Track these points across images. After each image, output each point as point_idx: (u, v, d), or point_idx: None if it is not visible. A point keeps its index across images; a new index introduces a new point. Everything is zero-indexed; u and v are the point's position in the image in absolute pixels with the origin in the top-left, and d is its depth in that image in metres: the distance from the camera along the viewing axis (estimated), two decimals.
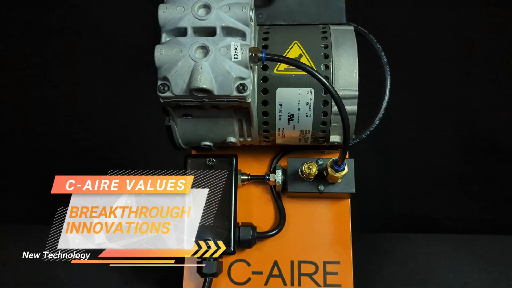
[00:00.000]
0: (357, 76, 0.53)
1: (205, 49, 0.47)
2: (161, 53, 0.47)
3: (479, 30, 1.20)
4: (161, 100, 0.49)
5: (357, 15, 0.67)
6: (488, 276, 0.93)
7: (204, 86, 0.46)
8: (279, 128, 0.56)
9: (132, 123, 1.16)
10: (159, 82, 0.48)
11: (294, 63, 0.47)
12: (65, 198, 1.07)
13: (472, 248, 0.97)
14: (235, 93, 0.47)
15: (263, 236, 0.61)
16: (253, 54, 0.47)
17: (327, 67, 0.53)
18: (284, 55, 0.53)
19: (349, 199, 0.63)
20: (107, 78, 1.22)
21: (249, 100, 0.49)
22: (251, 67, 0.48)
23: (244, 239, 0.59)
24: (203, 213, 0.56)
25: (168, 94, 0.48)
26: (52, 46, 1.26)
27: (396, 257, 0.95)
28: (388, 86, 0.63)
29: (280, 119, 0.55)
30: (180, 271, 0.63)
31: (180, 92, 0.47)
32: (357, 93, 0.53)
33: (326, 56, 0.54)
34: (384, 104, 0.63)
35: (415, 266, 0.94)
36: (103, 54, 1.25)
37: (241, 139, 0.58)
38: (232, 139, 0.57)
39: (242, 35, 0.49)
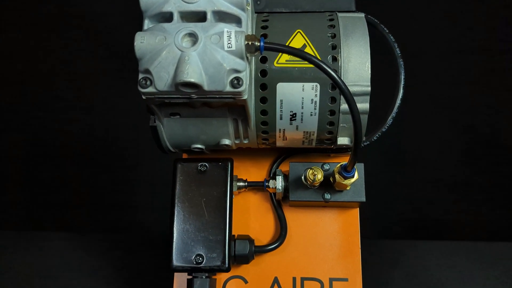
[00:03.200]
0: (369, 69, 0.48)
1: (193, 37, 0.41)
2: (142, 42, 0.42)
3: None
4: (143, 97, 0.44)
5: (366, 4, 0.62)
6: (503, 286, 0.89)
7: (192, 80, 0.40)
8: (280, 129, 0.51)
9: (131, 124, 1.12)
10: (140, 76, 0.43)
11: (298, 53, 0.41)
12: (63, 203, 1.05)
13: (487, 256, 0.92)
14: (228, 88, 0.42)
15: (262, 250, 0.57)
16: (250, 43, 0.41)
17: (334, 59, 0.48)
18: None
19: (358, 208, 0.59)
20: (104, 77, 1.19)
21: (245, 97, 0.44)
22: (247, 58, 0.43)
23: (241, 253, 0.54)
24: (194, 224, 0.53)
25: (150, 89, 0.42)
26: (46, 42, 1.23)
27: (406, 267, 0.90)
28: (402, 82, 0.57)
29: (281, 118, 0.50)
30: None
31: (165, 87, 0.42)
32: (369, 88, 0.48)
33: (334, 47, 0.48)
34: (398, 102, 0.57)
35: (426, 276, 0.89)
36: (100, 50, 1.22)
37: (237, 142, 0.53)
38: (227, 142, 0.52)
39: (237, 21, 0.44)
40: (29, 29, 1.24)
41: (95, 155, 1.12)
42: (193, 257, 0.52)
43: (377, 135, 0.58)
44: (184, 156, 0.60)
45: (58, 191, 1.09)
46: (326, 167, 0.55)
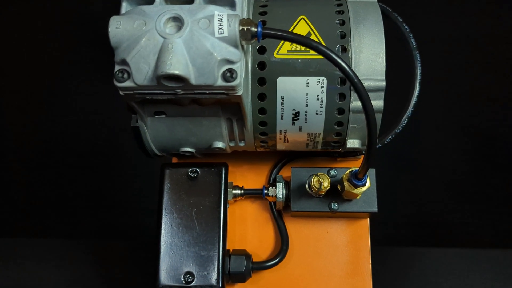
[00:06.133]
0: (384, 61, 0.43)
1: (178, 22, 0.36)
2: (117, 27, 0.37)
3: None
4: (121, 93, 0.39)
5: None
6: None
7: (176, 72, 0.35)
8: (280, 130, 0.47)
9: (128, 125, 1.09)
10: (116, 68, 0.38)
11: (303, 40, 0.36)
12: (58, 209, 1.02)
13: (499, 264, 0.91)
14: (220, 82, 0.37)
15: (261, 266, 0.53)
16: (245, 28, 0.36)
17: (344, 49, 0.44)
18: None
19: (368, 219, 0.55)
20: (99, 77, 1.15)
21: (240, 93, 0.39)
22: (242, 46, 0.38)
23: (236, 271, 0.51)
24: (183, 238, 0.50)
25: (128, 83, 0.37)
26: (46, 41, 1.20)
27: (416, 277, 0.89)
28: (419, 77, 0.53)
29: (282, 118, 0.46)
30: None
31: (144, 81, 0.37)
32: (384, 83, 0.43)
33: (343, 36, 0.44)
34: (414, 99, 0.53)
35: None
36: (99, 49, 1.19)
37: (231, 144, 0.49)
38: (220, 144, 0.48)
39: (231, 3, 0.39)
40: (27, 27, 1.21)
41: (92, 158, 1.09)
42: (182, 275, 0.49)
43: (390, 137, 0.54)
44: (174, 160, 0.56)
45: (44, 196, 1.06)
46: (333, 173, 0.52)
